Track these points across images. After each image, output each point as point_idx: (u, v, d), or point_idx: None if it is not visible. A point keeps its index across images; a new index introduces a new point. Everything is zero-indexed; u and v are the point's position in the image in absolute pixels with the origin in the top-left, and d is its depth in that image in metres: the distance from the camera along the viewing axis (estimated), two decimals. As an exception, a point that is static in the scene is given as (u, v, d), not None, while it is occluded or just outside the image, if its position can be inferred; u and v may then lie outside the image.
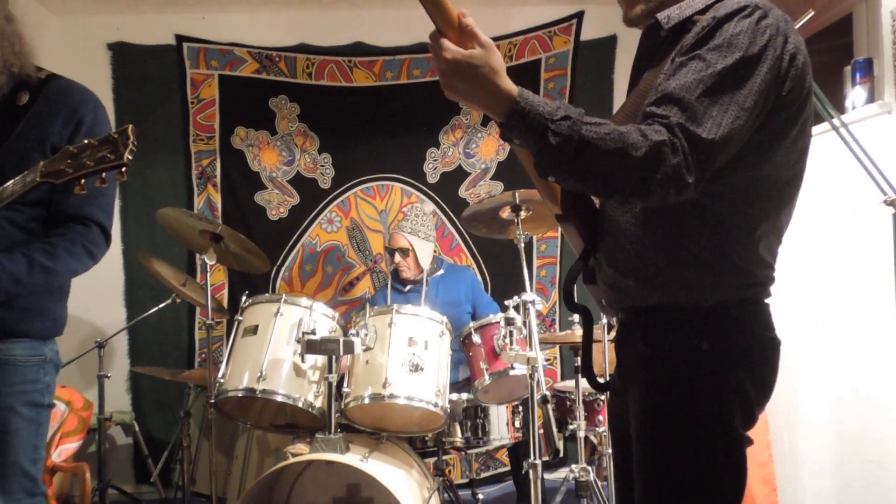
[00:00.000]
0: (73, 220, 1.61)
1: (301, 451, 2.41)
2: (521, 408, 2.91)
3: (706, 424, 1.19)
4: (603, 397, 3.03)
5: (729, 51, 1.09)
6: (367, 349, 2.51)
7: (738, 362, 1.19)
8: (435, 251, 3.60)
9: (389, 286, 3.55)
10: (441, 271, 3.55)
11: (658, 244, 1.21)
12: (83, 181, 1.38)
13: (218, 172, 4.12)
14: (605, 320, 2.80)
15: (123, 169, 1.36)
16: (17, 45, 1.61)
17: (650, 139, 1.04)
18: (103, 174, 1.38)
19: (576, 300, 1.39)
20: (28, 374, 1.58)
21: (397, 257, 3.43)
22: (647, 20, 1.28)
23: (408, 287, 3.50)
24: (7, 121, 1.58)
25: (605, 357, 2.86)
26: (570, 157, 1.06)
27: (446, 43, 1.10)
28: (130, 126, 1.38)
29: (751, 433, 1.27)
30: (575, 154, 1.05)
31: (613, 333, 1.50)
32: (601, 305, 1.41)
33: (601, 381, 1.45)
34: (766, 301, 1.26)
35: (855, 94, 2.62)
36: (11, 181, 1.45)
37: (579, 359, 2.95)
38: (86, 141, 1.39)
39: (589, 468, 2.76)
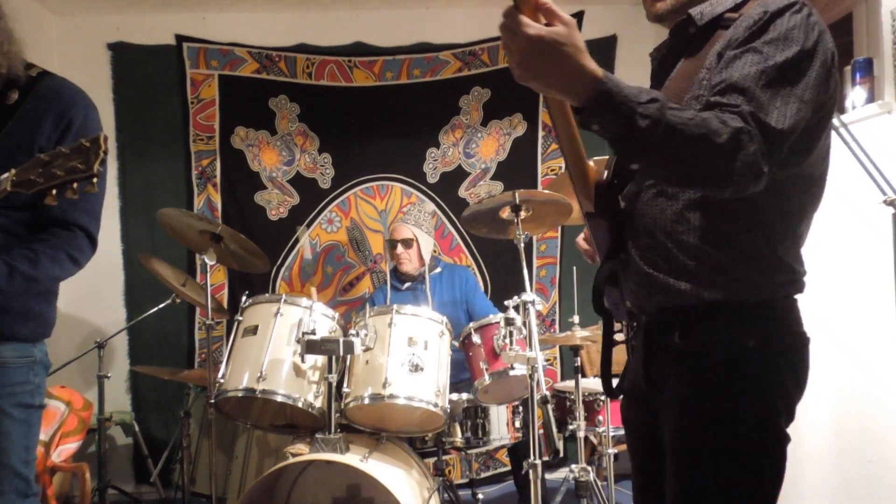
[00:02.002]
0: (57, 225, 1.59)
1: (301, 451, 2.41)
2: (521, 408, 2.91)
3: (754, 424, 1.17)
4: (603, 397, 3.03)
5: (786, 44, 1.08)
6: (367, 349, 2.51)
7: (782, 361, 1.18)
8: (434, 251, 3.59)
9: (389, 284, 3.54)
10: (438, 269, 3.54)
11: (704, 240, 1.18)
12: (54, 192, 1.35)
13: (218, 172, 4.12)
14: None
15: (94, 180, 1.33)
16: (7, 43, 1.57)
17: (730, 125, 1.01)
18: (74, 185, 1.34)
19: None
20: (17, 375, 1.57)
21: (399, 249, 3.41)
22: (675, 16, 1.26)
23: (406, 285, 3.48)
24: None
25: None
26: (658, 142, 1.01)
27: (526, 19, 0.99)
28: (103, 134, 1.35)
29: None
30: (663, 139, 1.00)
31: (621, 336, 1.45)
32: (616, 309, 1.37)
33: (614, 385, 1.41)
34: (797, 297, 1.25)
35: (855, 94, 2.62)
36: None
37: (579, 359, 2.95)
38: (59, 149, 1.35)
39: (589, 468, 2.76)
